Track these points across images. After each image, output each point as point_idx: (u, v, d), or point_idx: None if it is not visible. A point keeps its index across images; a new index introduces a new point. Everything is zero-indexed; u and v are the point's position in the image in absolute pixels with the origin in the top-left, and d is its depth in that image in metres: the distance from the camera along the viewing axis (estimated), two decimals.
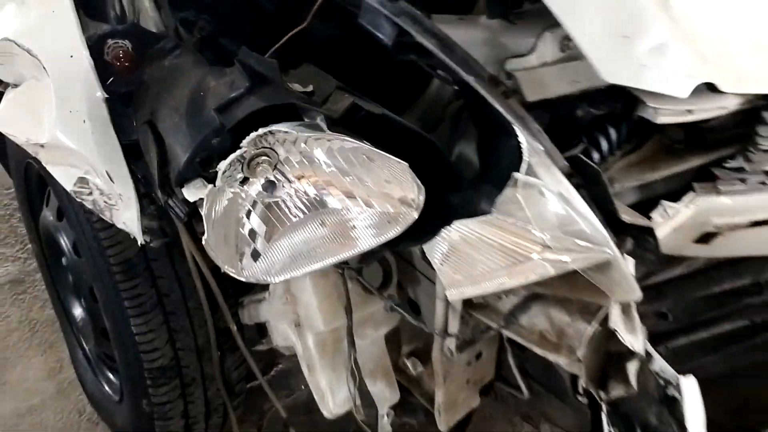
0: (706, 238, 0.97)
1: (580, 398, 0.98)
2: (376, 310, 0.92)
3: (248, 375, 1.19)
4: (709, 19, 0.68)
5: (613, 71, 0.62)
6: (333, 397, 0.90)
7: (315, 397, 0.92)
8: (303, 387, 1.42)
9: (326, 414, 0.92)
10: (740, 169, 0.87)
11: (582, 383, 0.80)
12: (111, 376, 1.28)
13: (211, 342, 0.99)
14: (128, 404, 1.10)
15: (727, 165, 0.86)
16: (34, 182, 1.23)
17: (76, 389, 1.39)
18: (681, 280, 1.11)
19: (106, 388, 1.28)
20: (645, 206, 0.86)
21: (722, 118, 0.88)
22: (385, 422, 0.95)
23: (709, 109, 0.79)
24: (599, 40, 0.61)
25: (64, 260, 1.22)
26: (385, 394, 0.94)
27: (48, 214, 1.17)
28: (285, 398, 1.36)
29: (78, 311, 1.29)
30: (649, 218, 0.85)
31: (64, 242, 1.12)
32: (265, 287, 0.95)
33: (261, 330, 1.03)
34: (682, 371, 1.19)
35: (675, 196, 0.88)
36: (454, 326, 0.84)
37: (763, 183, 0.89)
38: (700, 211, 0.90)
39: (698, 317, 1.15)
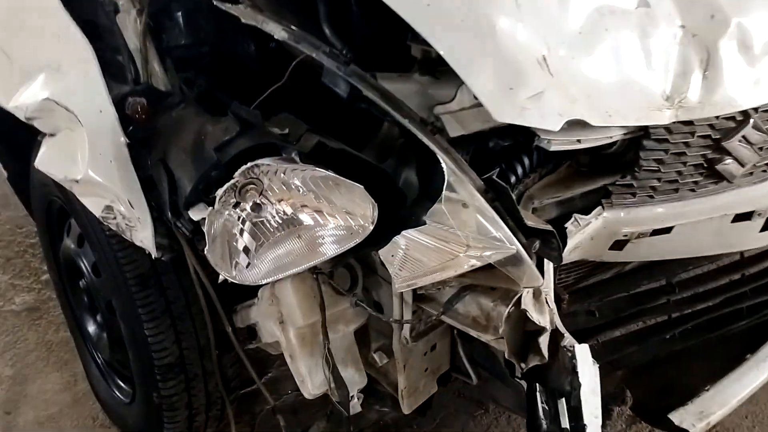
0: (619, 245, 1.19)
1: (518, 380, 1.19)
2: (346, 308, 1.12)
3: (243, 381, 1.39)
4: (582, 69, 0.91)
5: (502, 113, 0.84)
6: (311, 380, 1.10)
7: (296, 381, 1.12)
8: (290, 392, 1.61)
9: (306, 395, 1.12)
10: (630, 186, 1.09)
11: (508, 358, 1.01)
12: (121, 383, 1.47)
13: (211, 342, 1.19)
14: (140, 399, 1.29)
15: (618, 182, 1.08)
16: (54, 217, 1.44)
17: (90, 399, 1.58)
18: (605, 282, 1.33)
19: (117, 393, 1.47)
20: (566, 219, 1.08)
21: (620, 146, 1.11)
22: (355, 402, 1.14)
23: (596, 139, 1.02)
24: (491, 91, 0.84)
25: (81, 283, 1.43)
26: (354, 378, 1.14)
27: (69, 243, 1.37)
28: (274, 401, 1.55)
29: (92, 327, 1.48)
30: (565, 229, 1.06)
31: (84, 265, 1.32)
32: (254, 293, 1.15)
33: (251, 332, 1.22)
34: (610, 361, 1.40)
35: (590, 211, 1.10)
36: (407, 315, 1.05)
37: (651, 197, 1.12)
38: (608, 222, 1.11)
39: (622, 314, 1.36)
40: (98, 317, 1.44)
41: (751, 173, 1.19)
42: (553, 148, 0.94)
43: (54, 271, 1.58)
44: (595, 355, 1.32)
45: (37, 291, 1.88)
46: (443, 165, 0.87)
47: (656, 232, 1.18)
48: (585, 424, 0.96)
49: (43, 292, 1.87)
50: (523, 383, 1.14)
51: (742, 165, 1.15)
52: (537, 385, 1.11)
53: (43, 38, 1.08)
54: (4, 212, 2.17)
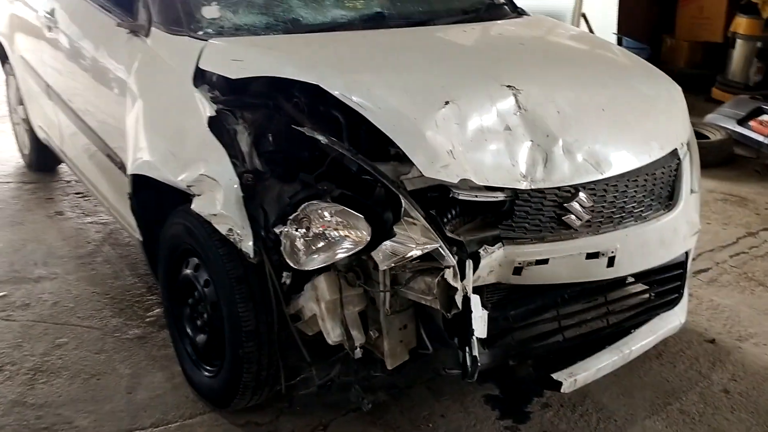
0: (518, 271, 2.02)
1: (453, 341, 1.97)
2: (354, 295, 1.94)
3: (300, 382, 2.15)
4: (471, 157, 1.82)
5: (428, 173, 1.74)
6: (333, 333, 1.89)
7: (324, 334, 1.93)
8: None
9: (330, 341, 1.92)
10: (510, 226, 1.97)
11: (440, 309, 1.81)
12: (208, 367, 2.28)
13: (274, 319, 2.02)
14: (228, 359, 2.09)
15: (503, 224, 1.95)
16: (177, 259, 2.31)
17: (184, 386, 2.34)
18: (515, 299, 2.14)
19: (205, 373, 2.27)
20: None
21: (507, 206, 1.99)
22: (357, 350, 1.94)
23: (487, 196, 1.91)
24: (423, 163, 1.75)
25: (190, 300, 2.28)
26: (358, 337, 1.94)
27: (187, 272, 2.24)
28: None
29: (191, 331, 2.31)
30: (479, 254, 1.92)
31: (199, 282, 2.18)
32: (301, 288, 1.99)
33: (296, 317, 2.05)
34: (523, 354, 2.17)
35: None
36: (387, 286, 1.87)
37: (524, 235, 1.98)
38: (507, 253, 1.95)
39: (526, 321, 2.16)
40: (198, 322, 2.28)
41: (590, 226, 2.07)
42: (461, 197, 1.84)
43: (167, 300, 2.44)
44: (512, 349, 2.12)
45: (143, 327, 2.71)
46: (402, 202, 1.78)
47: (539, 263, 2.02)
48: (475, 337, 1.77)
49: (148, 329, 2.70)
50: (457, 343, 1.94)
51: (580, 219, 2.03)
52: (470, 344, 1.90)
53: (198, 146, 2.03)
54: (115, 282, 3.06)
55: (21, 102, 4.07)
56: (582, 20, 6.75)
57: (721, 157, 4.56)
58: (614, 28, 6.68)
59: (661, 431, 2.22)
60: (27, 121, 4.04)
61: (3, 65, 4.30)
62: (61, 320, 2.77)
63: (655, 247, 2.22)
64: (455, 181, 1.79)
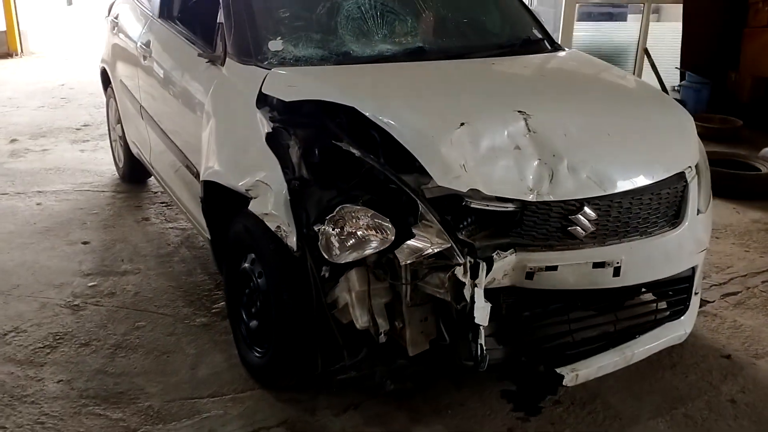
0: (530, 275, 2.29)
1: (467, 334, 2.26)
2: (381, 288, 2.26)
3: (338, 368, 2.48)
4: (481, 170, 2.12)
5: (442, 182, 2.05)
6: (361, 319, 2.22)
7: (353, 320, 2.25)
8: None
9: (358, 326, 2.24)
10: (520, 234, 2.24)
11: (450, 301, 2.09)
12: (258, 349, 2.63)
13: (314, 305, 2.36)
14: (275, 339, 2.44)
15: (512, 232, 2.23)
16: (239, 254, 2.69)
17: (238, 366, 2.72)
18: (530, 300, 2.40)
19: (255, 354, 2.63)
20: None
21: (518, 216, 2.27)
22: (381, 336, 2.25)
23: (498, 206, 2.19)
24: (438, 174, 2.05)
25: (246, 290, 2.65)
26: (382, 323, 2.25)
27: (246, 265, 2.61)
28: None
29: (246, 316, 2.68)
30: (492, 258, 2.21)
31: (254, 274, 2.55)
32: (337, 279, 2.32)
33: (332, 305, 2.37)
34: (536, 356, 2.42)
35: None
36: (408, 280, 2.18)
37: (533, 242, 2.25)
38: (519, 258, 2.24)
39: (541, 321, 2.41)
40: (252, 309, 2.64)
41: (595, 237, 2.31)
42: (472, 205, 2.14)
43: (228, 291, 2.82)
44: (524, 346, 2.38)
45: (209, 317, 3.11)
46: (420, 207, 2.09)
47: (548, 269, 2.28)
48: (479, 324, 2.05)
49: (213, 318, 3.09)
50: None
51: (585, 231, 2.28)
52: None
53: (256, 157, 2.41)
54: (188, 278, 3.49)
55: (119, 121, 4.63)
56: (645, 55, 6.91)
57: None
58: (677, 62, 6.80)
59: None
60: (123, 138, 4.60)
61: (105, 89, 4.90)
62: (140, 307, 3.20)
63: (660, 261, 2.44)
64: (465, 190, 2.09)
